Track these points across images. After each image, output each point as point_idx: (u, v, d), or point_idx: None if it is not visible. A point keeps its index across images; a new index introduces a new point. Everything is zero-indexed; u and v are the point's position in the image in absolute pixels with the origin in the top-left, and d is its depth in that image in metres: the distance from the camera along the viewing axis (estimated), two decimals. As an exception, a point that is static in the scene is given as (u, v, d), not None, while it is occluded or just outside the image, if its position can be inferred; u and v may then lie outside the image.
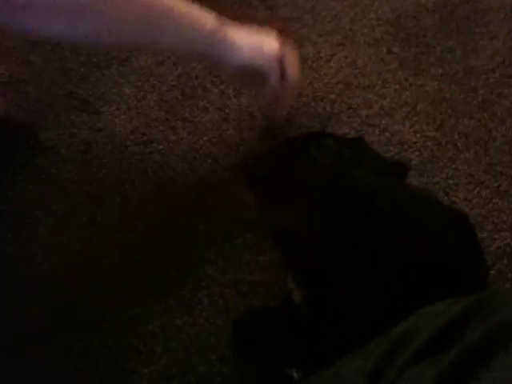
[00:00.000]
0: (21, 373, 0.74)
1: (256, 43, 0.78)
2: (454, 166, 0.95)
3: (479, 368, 0.42)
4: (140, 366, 0.75)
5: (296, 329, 0.71)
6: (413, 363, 0.46)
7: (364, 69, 1.10)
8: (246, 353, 0.78)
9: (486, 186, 0.93)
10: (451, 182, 0.93)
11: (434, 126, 1.01)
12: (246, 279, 0.82)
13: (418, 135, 1.00)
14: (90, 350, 0.76)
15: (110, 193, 0.90)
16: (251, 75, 0.80)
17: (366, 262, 0.65)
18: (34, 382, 0.74)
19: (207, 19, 0.73)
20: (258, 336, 0.76)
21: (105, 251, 0.84)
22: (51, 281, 0.81)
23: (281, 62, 0.80)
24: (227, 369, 0.75)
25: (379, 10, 1.23)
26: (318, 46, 1.14)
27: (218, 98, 1.04)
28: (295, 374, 0.71)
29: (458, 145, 0.98)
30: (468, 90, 1.07)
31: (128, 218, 0.87)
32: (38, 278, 0.82)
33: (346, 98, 1.05)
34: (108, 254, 0.84)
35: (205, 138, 0.98)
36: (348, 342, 0.56)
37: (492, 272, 0.84)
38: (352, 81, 1.08)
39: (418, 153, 0.97)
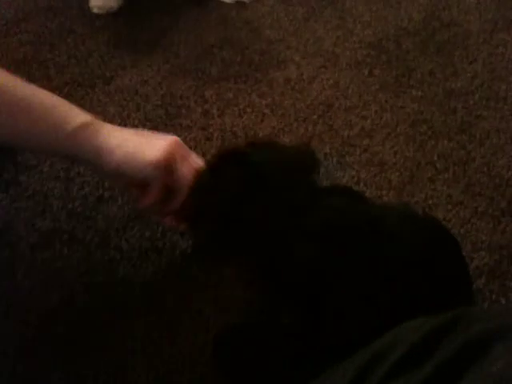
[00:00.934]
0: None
1: (133, 148, 0.67)
2: (433, 186, 0.97)
3: (454, 382, 0.43)
4: (120, 383, 0.75)
5: (280, 344, 0.72)
6: (387, 379, 0.46)
7: (346, 91, 1.12)
8: (227, 371, 0.78)
9: (464, 206, 0.95)
10: (430, 202, 0.95)
11: (413, 147, 1.03)
12: (225, 295, 0.82)
13: (398, 156, 1.01)
14: (72, 366, 0.75)
15: (92, 210, 0.90)
16: (127, 181, 0.72)
17: (350, 280, 0.66)
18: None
19: (75, 117, 0.66)
20: (239, 353, 0.77)
21: (87, 268, 0.84)
22: (34, 297, 0.81)
23: (167, 169, 0.68)
24: (208, 387, 0.75)
25: (361, 33, 1.26)
26: (301, 68, 1.17)
27: (202, 117, 1.06)
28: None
29: (437, 165, 1.00)
30: (447, 112, 1.10)
31: (109, 236, 0.87)
32: (20, 295, 0.81)
33: (328, 119, 1.07)
34: (90, 272, 0.84)
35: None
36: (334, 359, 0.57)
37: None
38: (334, 102, 1.10)
39: (397, 173, 0.98)
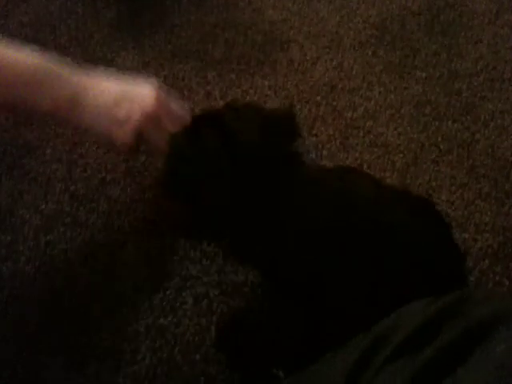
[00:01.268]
0: (5, 372, 0.74)
1: (104, 128, 0.67)
2: (436, 168, 0.97)
3: (456, 365, 0.43)
4: (124, 365, 0.75)
5: (281, 329, 0.72)
6: (389, 362, 0.46)
7: (349, 72, 1.11)
8: (231, 353, 0.78)
9: (468, 187, 0.95)
10: (434, 184, 0.94)
11: (417, 129, 1.02)
12: (230, 279, 0.82)
13: (402, 137, 1.01)
14: (76, 349, 0.76)
15: (94, 193, 0.90)
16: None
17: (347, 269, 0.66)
18: (21, 379, 0.74)
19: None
20: (241, 336, 0.77)
21: (90, 250, 0.84)
22: (37, 280, 0.82)
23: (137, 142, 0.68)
24: (211, 369, 0.75)
25: (365, 13, 1.24)
26: (304, 49, 1.15)
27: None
28: (281, 374, 0.72)
29: (441, 147, 1.00)
30: (452, 94, 1.09)
31: (112, 218, 0.87)
32: (23, 278, 0.82)
33: (331, 100, 1.06)
34: (93, 254, 0.84)
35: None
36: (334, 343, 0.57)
37: (474, 273, 0.85)
38: (337, 83, 1.09)
39: (401, 155, 0.98)
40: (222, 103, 1.03)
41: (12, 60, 0.65)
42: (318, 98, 1.06)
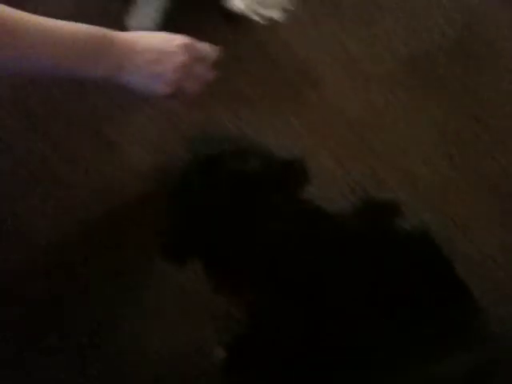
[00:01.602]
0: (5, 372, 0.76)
1: (141, 81, 0.76)
2: (467, 203, 0.97)
3: None
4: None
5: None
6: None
7: (380, 108, 1.13)
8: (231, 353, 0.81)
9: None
10: (466, 220, 0.95)
11: (450, 165, 1.03)
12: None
13: (435, 174, 1.02)
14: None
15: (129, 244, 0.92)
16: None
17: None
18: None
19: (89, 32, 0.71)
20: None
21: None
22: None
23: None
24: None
25: (396, 50, 1.25)
26: (336, 85, 1.17)
27: (237, 136, 1.07)
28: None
29: (474, 184, 1.00)
30: (481, 127, 1.09)
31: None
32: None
33: (364, 137, 1.07)
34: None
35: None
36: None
37: None
38: (370, 121, 1.10)
39: (435, 192, 0.99)
40: (255, 140, 1.06)
41: (61, 30, 0.69)
42: (351, 135, 1.07)
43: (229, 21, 1.32)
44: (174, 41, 0.79)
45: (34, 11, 0.66)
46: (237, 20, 1.30)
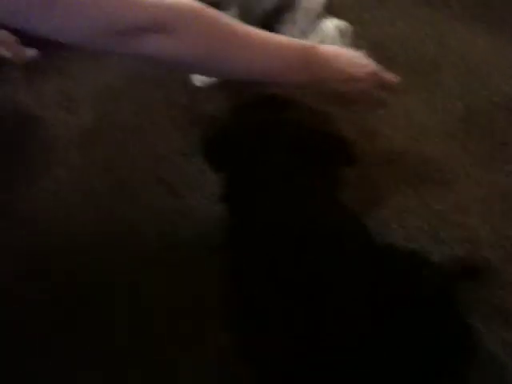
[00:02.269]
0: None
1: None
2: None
3: None
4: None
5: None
6: None
7: (438, 164, 1.13)
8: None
9: None
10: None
11: (508, 224, 1.02)
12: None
13: (492, 232, 1.01)
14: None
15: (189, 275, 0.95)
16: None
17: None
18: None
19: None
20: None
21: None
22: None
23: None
24: None
25: (452, 106, 1.27)
26: (391, 140, 1.19)
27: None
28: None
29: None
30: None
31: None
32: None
33: (420, 191, 1.08)
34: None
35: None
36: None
37: None
38: (426, 175, 1.11)
39: (493, 250, 0.97)
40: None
41: (276, 42, 0.78)
42: (407, 188, 1.08)
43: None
44: (365, 67, 0.88)
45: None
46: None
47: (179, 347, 0.86)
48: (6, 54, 1.05)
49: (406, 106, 1.28)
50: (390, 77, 0.92)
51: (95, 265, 0.96)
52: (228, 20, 0.72)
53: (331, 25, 1.42)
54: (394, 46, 1.47)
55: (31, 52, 1.17)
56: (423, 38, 1.51)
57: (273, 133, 0.86)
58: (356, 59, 0.88)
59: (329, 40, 1.40)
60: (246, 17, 1.31)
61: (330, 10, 1.48)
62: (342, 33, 1.42)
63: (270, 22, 1.44)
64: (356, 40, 1.44)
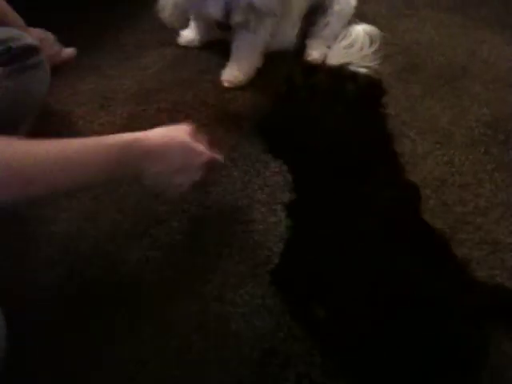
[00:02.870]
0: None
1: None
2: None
3: None
4: None
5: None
6: None
7: (460, 168, 1.14)
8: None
9: None
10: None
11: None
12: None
13: (511, 236, 1.01)
14: None
15: (211, 265, 0.97)
16: None
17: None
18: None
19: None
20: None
21: (202, 320, 0.91)
22: (152, 345, 0.89)
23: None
24: None
25: (478, 112, 1.28)
26: (415, 143, 1.20)
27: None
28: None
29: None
30: None
31: (226, 291, 0.93)
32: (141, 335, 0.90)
33: (441, 194, 1.09)
34: (204, 324, 0.90)
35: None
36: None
37: None
38: (448, 178, 1.12)
39: (510, 253, 0.97)
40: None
41: (76, 150, 0.71)
42: (428, 191, 1.09)
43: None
44: (197, 158, 0.84)
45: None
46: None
47: None
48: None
49: (432, 110, 1.29)
50: (220, 160, 0.91)
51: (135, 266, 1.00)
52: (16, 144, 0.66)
53: (361, 30, 1.45)
54: (423, 52, 1.48)
55: (69, 51, 1.22)
56: (453, 45, 1.52)
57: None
58: (184, 148, 0.83)
59: (358, 44, 1.43)
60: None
61: (362, 17, 1.51)
62: (371, 38, 1.45)
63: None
64: (385, 46, 1.47)
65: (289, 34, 1.45)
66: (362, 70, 1.38)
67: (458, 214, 1.05)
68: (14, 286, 0.92)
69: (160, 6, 1.40)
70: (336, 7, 1.44)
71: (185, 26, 1.53)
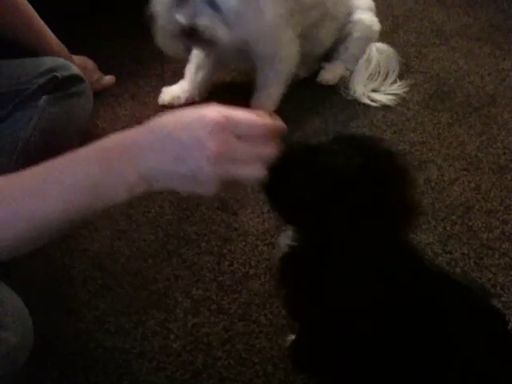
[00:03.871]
0: None
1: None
2: None
3: None
4: None
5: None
6: None
7: (487, 194, 1.15)
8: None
9: None
10: None
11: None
12: None
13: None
14: None
15: (238, 285, 1.00)
16: None
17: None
18: None
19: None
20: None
21: (228, 337, 0.93)
22: (181, 356, 0.91)
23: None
24: None
25: (506, 139, 1.28)
26: (442, 170, 1.22)
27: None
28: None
29: None
30: None
31: (251, 310, 0.96)
32: (170, 352, 0.92)
33: (467, 220, 1.09)
34: (231, 340, 0.92)
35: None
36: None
37: None
38: (474, 204, 1.13)
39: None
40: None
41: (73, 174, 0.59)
42: (454, 216, 1.10)
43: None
44: (199, 123, 0.55)
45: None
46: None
47: None
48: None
49: (460, 137, 1.31)
50: (249, 118, 0.58)
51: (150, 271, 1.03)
52: None
53: (374, 49, 1.48)
54: (452, 81, 1.50)
55: (108, 78, 1.29)
56: (482, 74, 1.53)
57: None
58: (179, 120, 0.57)
59: (374, 62, 1.46)
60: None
61: (391, 45, 1.54)
62: (386, 56, 1.48)
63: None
64: (413, 74, 1.50)
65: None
66: (390, 98, 1.41)
67: (483, 239, 1.05)
68: (45, 296, 0.97)
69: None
70: (355, 34, 1.47)
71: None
